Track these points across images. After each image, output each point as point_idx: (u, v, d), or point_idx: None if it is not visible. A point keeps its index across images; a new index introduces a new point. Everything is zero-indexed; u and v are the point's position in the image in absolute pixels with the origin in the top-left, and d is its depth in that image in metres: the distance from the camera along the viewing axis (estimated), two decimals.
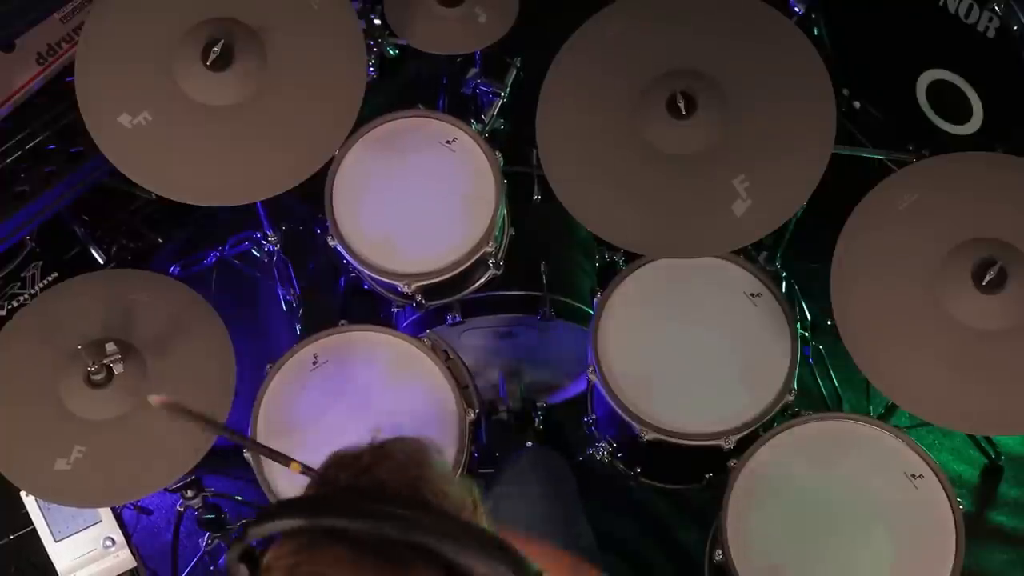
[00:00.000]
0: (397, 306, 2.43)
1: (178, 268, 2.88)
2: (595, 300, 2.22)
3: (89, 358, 1.87)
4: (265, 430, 2.11)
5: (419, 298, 2.27)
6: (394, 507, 0.91)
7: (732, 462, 2.02)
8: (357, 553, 0.90)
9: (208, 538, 2.45)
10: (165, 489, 2.16)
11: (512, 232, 2.37)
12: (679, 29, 2.06)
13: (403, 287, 2.21)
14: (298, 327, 2.85)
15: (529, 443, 2.49)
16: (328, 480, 1.00)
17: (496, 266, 2.30)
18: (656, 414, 2.11)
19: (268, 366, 2.16)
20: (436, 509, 0.95)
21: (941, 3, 2.38)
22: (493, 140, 2.40)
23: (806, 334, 2.66)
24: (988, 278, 1.81)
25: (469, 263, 2.21)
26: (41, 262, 2.76)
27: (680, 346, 2.16)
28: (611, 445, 2.40)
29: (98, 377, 1.90)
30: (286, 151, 2.06)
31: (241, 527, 0.94)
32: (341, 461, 1.02)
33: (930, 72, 2.54)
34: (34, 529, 2.16)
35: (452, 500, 0.98)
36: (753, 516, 1.97)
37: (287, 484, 2.07)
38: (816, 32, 2.73)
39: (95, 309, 2.02)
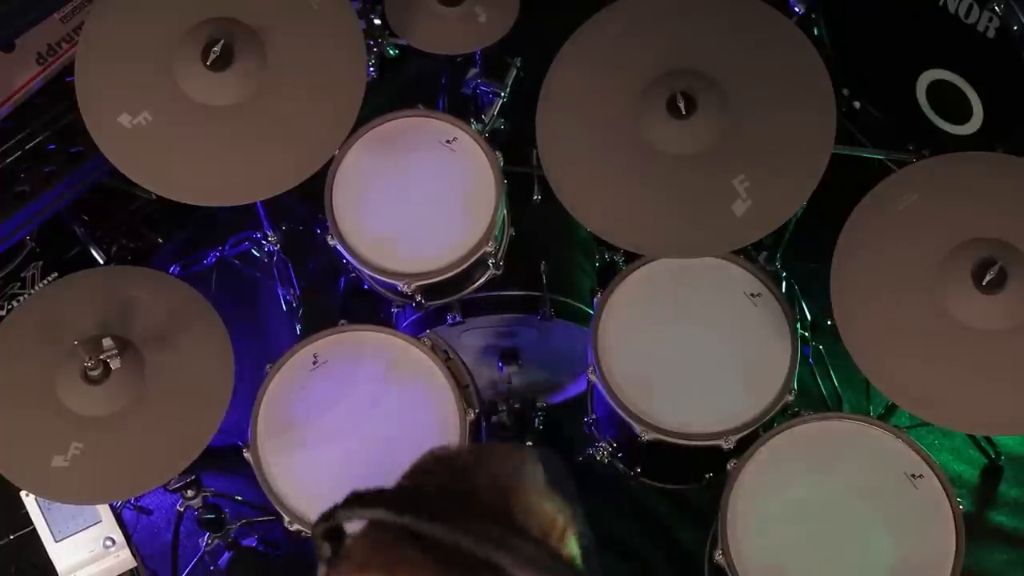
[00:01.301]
0: (397, 306, 2.43)
1: (178, 268, 2.88)
2: (595, 300, 2.22)
3: (86, 354, 1.86)
4: (265, 430, 2.11)
5: (419, 298, 2.27)
6: (479, 521, 0.91)
7: (732, 462, 2.02)
8: (433, 560, 0.90)
9: (208, 538, 2.45)
10: (165, 489, 2.16)
11: (512, 232, 2.37)
12: (679, 29, 2.06)
13: (403, 287, 2.21)
14: (298, 327, 2.85)
15: (529, 443, 2.49)
16: (420, 476, 1.00)
17: (496, 266, 2.30)
18: (656, 414, 2.10)
19: (268, 366, 2.16)
20: (521, 529, 0.94)
21: (941, 3, 2.38)
22: (493, 140, 2.40)
23: (806, 334, 2.66)
24: (988, 278, 1.81)
25: (469, 263, 2.21)
26: (41, 262, 2.76)
27: (680, 346, 2.16)
28: (611, 445, 2.40)
29: (95, 373, 1.89)
30: (286, 151, 2.06)
31: (324, 514, 0.94)
32: (439, 457, 1.02)
33: (930, 72, 2.54)
34: (34, 529, 2.16)
35: (541, 520, 0.98)
36: (753, 516, 1.97)
37: (287, 484, 2.08)
38: (816, 32, 2.73)
39: (93, 306, 2.01)
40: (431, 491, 0.97)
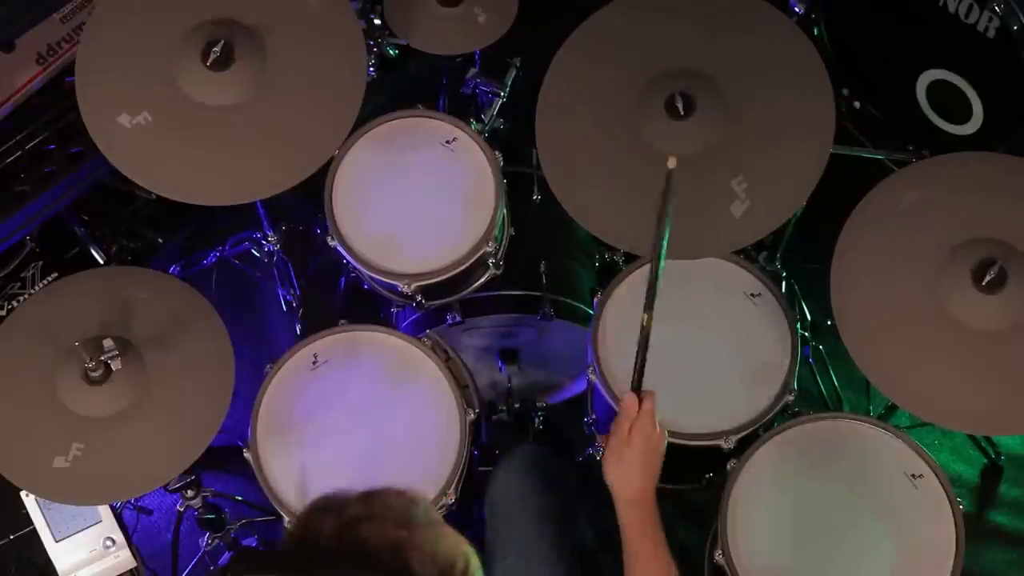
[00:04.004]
0: (397, 306, 2.44)
1: (178, 268, 2.88)
2: (595, 300, 2.22)
3: (87, 355, 1.86)
4: (265, 430, 2.11)
5: (419, 298, 2.27)
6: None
7: (732, 462, 2.02)
8: None
9: (208, 538, 2.45)
10: (165, 489, 2.16)
11: (512, 232, 2.37)
12: (678, 29, 2.06)
13: (403, 287, 2.21)
14: (298, 327, 2.85)
15: (529, 442, 2.49)
16: (311, 529, 0.98)
17: (496, 266, 2.30)
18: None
19: (268, 366, 2.16)
20: None
21: (941, 3, 2.38)
22: (493, 140, 2.40)
23: (806, 334, 2.66)
24: (988, 278, 1.81)
25: (469, 263, 2.21)
26: (41, 262, 2.76)
27: (680, 346, 2.15)
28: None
29: (96, 374, 1.89)
30: (286, 151, 2.06)
31: (218, 572, 0.94)
32: (328, 506, 1.00)
33: (930, 72, 2.54)
34: (34, 529, 2.16)
35: (440, 563, 0.97)
36: (753, 516, 1.97)
37: (287, 484, 2.08)
38: (816, 32, 2.73)
39: (93, 306, 2.01)
40: (323, 551, 0.96)
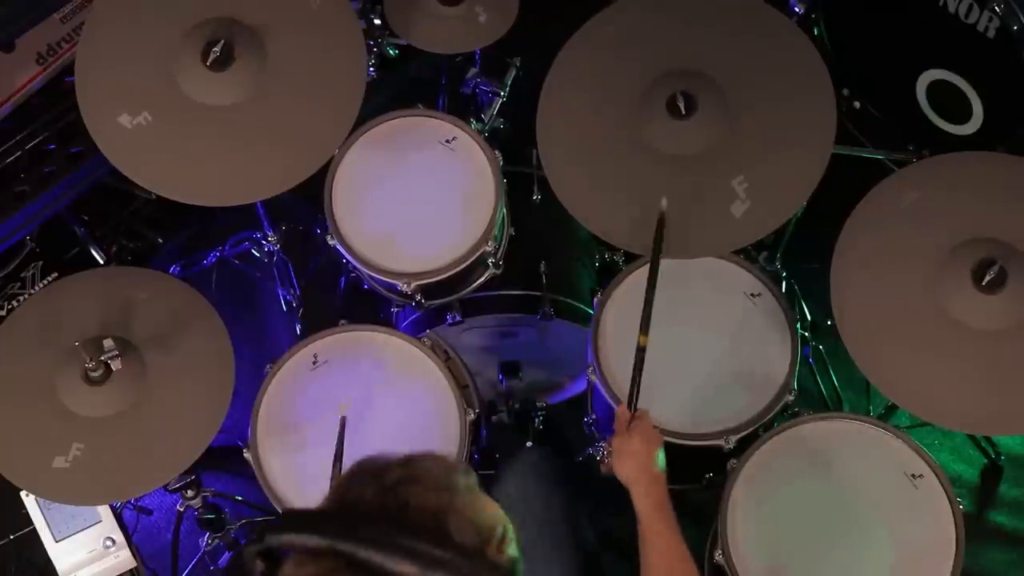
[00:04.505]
0: (397, 306, 2.43)
1: (178, 268, 2.88)
2: (595, 300, 2.22)
3: (87, 355, 1.86)
4: (265, 430, 2.11)
5: (419, 297, 2.27)
6: (415, 541, 0.91)
7: (732, 462, 2.02)
8: None
9: (208, 538, 2.45)
10: (165, 489, 2.16)
11: (512, 232, 2.37)
12: (679, 29, 2.06)
13: (403, 286, 2.21)
14: (298, 327, 2.85)
15: (529, 443, 2.49)
16: (352, 492, 0.99)
17: (496, 265, 2.30)
18: (656, 414, 2.09)
19: (268, 366, 2.16)
20: (458, 545, 0.94)
21: (941, 3, 2.38)
22: (493, 140, 2.40)
23: (806, 334, 2.66)
24: (988, 278, 1.81)
25: (469, 262, 2.21)
26: (41, 262, 2.76)
27: (680, 346, 2.15)
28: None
29: (96, 374, 1.89)
30: (286, 151, 2.06)
31: (258, 529, 0.94)
32: (369, 471, 1.01)
33: (930, 72, 2.54)
34: (34, 529, 2.16)
35: (478, 530, 0.97)
36: (753, 516, 1.97)
37: (287, 484, 2.08)
38: (816, 32, 2.74)
39: (93, 306, 2.02)
40: (364, 513, 0.96)
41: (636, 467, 1.77)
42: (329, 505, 1.00)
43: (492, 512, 1.01)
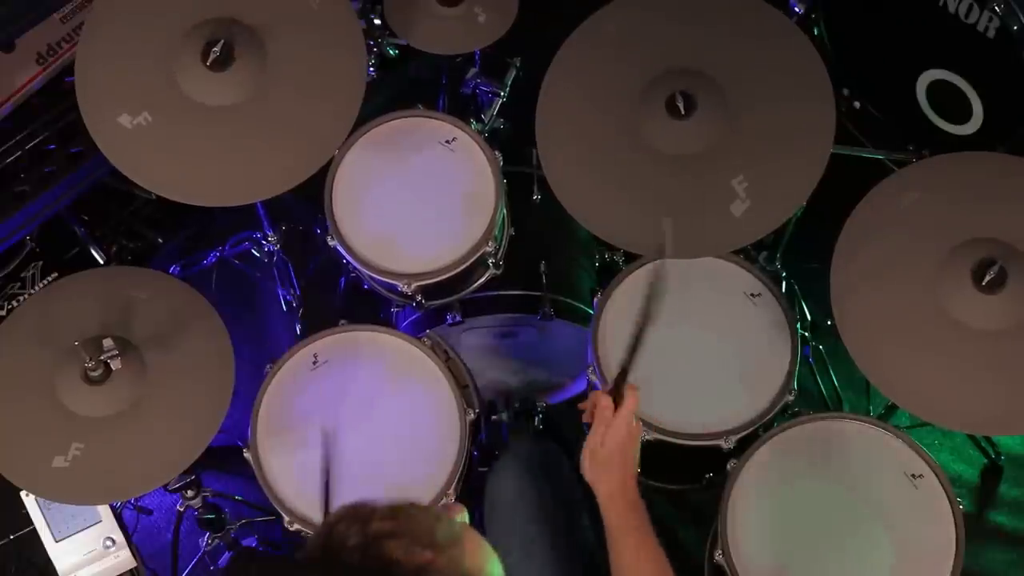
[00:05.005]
0: (397, 306, 2.43)
1: (178, 268, 2.88)
2: (595, 300, 2.22)
3: (87, 354, 1.86)
4: (265, 430, 2.11)
5: (419, 298, 2.27)
6: None
7: (732, 462, 2.02)
8: None
9: (208, 538, 2.45)
10: (165, 489, 2.16)
11: (512, 232, 2.37)
12: (679, 28, 2.06)
13: (403, 287, 2.21)
14: (298, 327, 2.85)
15: (529, 442, 2.48)
16: (336, 536, 0.99)
17: (496, 266, 2.30)
18: (656, 414, 2.10)
19: (268, 366, 2.16)
20: None
21: (941, 3, 2.38)
22: (493, 140, 2.40)
23: (806, 334, 2.66)
24: (988, 278, 1.81)
25: (469, 262, 2.21)
26: (41, 262, 2.76)
27: (680, 346, 2.15)
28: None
29: (96, 374, 1.89)
30: (286, 151, 2.06)
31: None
32: (354, 516, 1.00)
33: (930, 72, 2.54)
34: (34, 529, 2.16)
35: None
36: (753, 516, 1.97)
37: (287, 484, 2.07)
38: (816, 32, 2.73)
39: (93, 306, 2.01)
40: (347, 567, 0.96)
41: (604, 475, 1.68)
42: (312, 549, 0.99)
43: (473, 563, 1.01)
